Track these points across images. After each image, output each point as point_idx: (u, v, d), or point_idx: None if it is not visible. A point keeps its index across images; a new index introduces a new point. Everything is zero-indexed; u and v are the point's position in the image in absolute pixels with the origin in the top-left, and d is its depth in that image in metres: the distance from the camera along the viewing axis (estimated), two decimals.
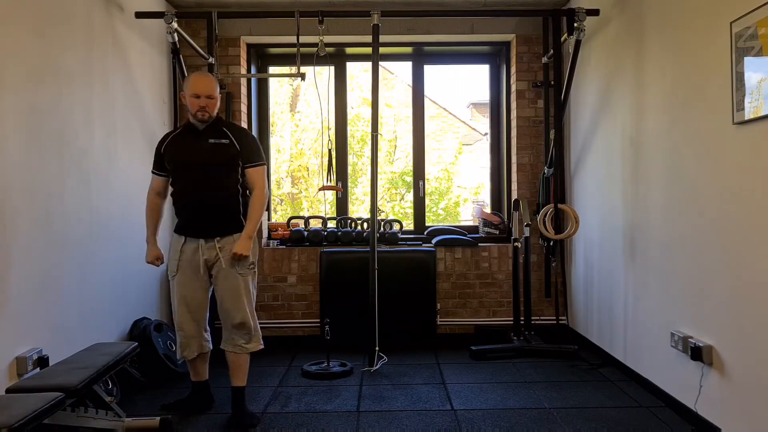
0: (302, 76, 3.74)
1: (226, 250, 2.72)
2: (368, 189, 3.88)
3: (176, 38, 3.59)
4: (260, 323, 4.30)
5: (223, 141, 2.72)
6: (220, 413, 2.89)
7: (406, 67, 4.76)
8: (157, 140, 3.85)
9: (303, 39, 3.68)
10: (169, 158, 2.78)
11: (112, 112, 3.32)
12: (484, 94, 4.89)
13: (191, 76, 2.76)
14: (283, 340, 4.25)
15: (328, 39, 3.86)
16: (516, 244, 4.07)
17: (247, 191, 2.81)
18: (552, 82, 4.13)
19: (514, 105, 4.46)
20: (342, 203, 4.68)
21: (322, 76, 4.01)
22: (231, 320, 2.76)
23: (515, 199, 4.17)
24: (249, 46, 4.50)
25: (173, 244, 2.80)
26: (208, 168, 2.71)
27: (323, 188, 3.79)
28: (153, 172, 2.88)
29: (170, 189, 2.86)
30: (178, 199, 2.78)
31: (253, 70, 4.57)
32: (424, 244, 4.40)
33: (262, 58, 4.69)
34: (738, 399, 2.36)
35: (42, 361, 2.52)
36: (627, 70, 3.31)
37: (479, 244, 4.38)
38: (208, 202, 2.71)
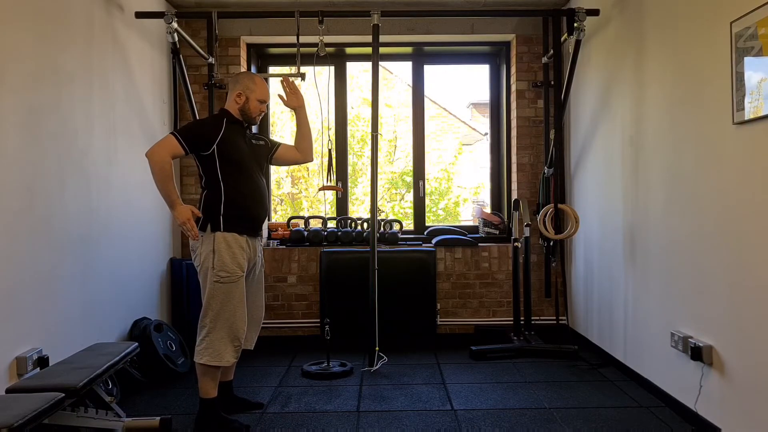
0: (302, 76, 3.74)
1: (259, 249, 2.84)
2: (368, 189, 3.88)
3: (176, 38, 3.59)
4: None
5: (261, 142, 2.89)
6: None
7: (406, 67, 4.76)
8: (157, 140, 3.89)
9: (303, 39, 3.68)
10: (233, 154, 2.65)
11: (112, 112, 3.32)
12: (484, 94, 4.89)
13: (257, 79, 2.76)
14: (283, 340, 4.25)
15: (328, 39, 3.86)
16: (516, 244, 4.07)
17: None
18: (552, 82, 4.13)
19: (514, 105, 4.46)
20: (342, 203, 4.68)
21: (322, 76, 4.01)
22: (260, 316, 2.89)
23: (515, 199, 4.17)
24: (249, 46, 4.51)
25: (232, 243, 2.60)
26: (261, 168, 2.83)
27: (323, 188, 3.79)
28: (182, 144, 2.56)
29: (232, 186, 2.65)
30: (248, 197, 2.69)
31: (253, 70, 4.57)
32: (424, 244, 4.40)
33: (262, 58, 4.69)
34: (738, 399, 2.36)
35: (42, 361, 2.52)
36: (627, 70, 3.31)
37: (479, 244, 4.38)
38: (266, 201, 2.82)
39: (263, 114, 2.83)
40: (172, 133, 2.61)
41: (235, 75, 2.83)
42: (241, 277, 2.64)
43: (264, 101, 2.76)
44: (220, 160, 2.62)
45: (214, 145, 2.61)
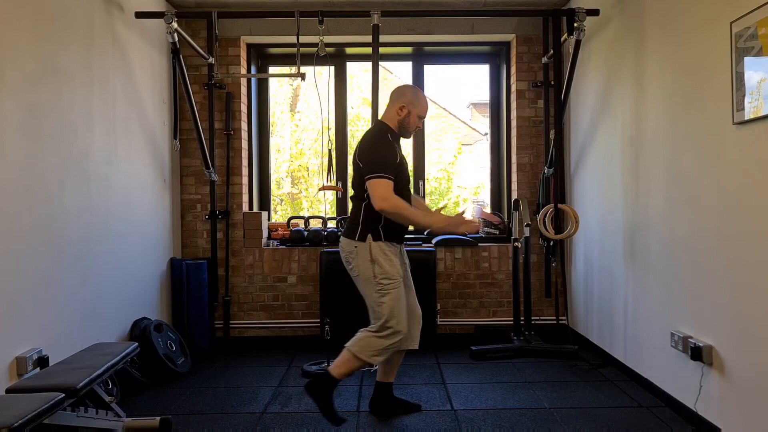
0: (302, 76, 3.74)
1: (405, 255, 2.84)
2: None
3: (176, 38, 3.59)
4: (260, 323, 4.33)
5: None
6: (224, 413, 2.89)
7: (406, 67, 4.76)
8: (157, 140, 3.92)
9: (303, 39, 3.68)
10: (402, 168, 2.70)
11: (112, 112, 3.32)
12: (484, 94, 4.89)
13: (420, 95, 2.76)
14: (283, 340, 4.25)
15: (328, 39, 3.86)
16: (516, 244, 4.07)
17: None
18: (552, 82, 4.13)
19: (514, 105, 4.46)
20: (342, 203, 4.68)
21: (322, 76, 4.01)
22: (420, 313, 2.83)
23: (515, 199, 4.17)
24: (249, 46, 4.51)
25: (387, 251, 2.66)
26: (409, 180, 2.82)
27: (323, 188, 3.79)
28: (390, 177, 2.58)
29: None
30: None
31: (253, 70, 4.57)
32: (424, 244, 4.39)
33: (262, 58, 4.69)
34: (738, 399, 2.36)
35: (42, 361, 2.52)
36: (627, 70, 3.31)
37: (479, 244, 4.38)
38: None
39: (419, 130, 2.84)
40: (377, 176, 2.56)
41: (399, 87, 2.80)
42: (401, 281, 2.68)
43: (422, 117, 2.78)
44: None
45: None
